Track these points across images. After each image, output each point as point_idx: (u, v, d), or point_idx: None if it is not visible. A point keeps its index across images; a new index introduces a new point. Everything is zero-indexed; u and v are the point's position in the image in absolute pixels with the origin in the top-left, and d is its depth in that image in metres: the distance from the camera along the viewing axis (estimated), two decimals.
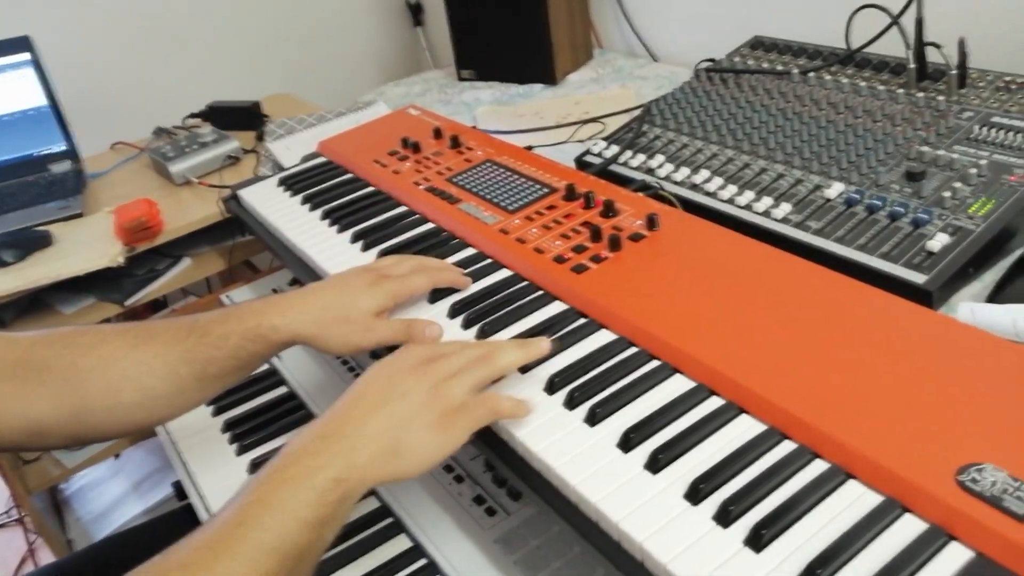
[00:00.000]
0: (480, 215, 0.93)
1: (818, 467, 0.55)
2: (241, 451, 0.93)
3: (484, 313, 0.77)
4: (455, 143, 1.12)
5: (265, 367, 1.03)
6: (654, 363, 0.67)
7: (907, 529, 0.50)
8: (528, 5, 1.50)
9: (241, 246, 1.40)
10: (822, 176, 0.95)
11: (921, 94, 1.02)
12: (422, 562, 0.76)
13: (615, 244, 0.81)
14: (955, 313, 0.77)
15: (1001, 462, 0.51)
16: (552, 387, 0.66)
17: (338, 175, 1.13)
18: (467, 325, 0.77)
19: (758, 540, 0.51)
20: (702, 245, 0.80)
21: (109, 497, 1.95)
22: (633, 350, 0.69)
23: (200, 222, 1.33)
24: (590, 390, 0.65)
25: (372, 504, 0.82)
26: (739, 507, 0.53)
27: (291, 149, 1.39)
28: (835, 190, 0.92)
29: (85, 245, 1.32)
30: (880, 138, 0.97)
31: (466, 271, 0.84)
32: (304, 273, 0.97)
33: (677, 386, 0.64)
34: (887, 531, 0.50)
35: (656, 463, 0.57)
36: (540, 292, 0.79)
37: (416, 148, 1.12)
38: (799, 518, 0.52)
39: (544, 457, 0.60)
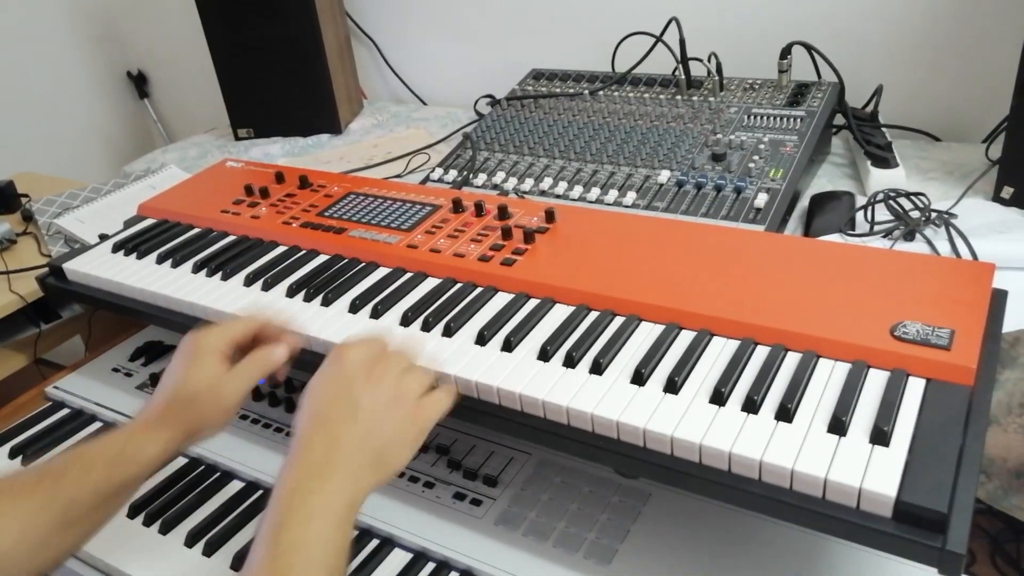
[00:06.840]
0: (378, 238, 0.96)
1: (793, 357, 0.69)
2: (164, 529, 0.85)
3: (439, 314, 0.81)
4: (305, 183, 1.12)
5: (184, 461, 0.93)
6: (619, 319, 0.77)
7: (877, 379, 0.65)
8: (307, 60, 1.54)
9: (48, 334, 1.23)
10: (648, 168, 1.13)
11: (695, 98, 1.27)
12: (431, 566, 0.76)
13: (529, 237, 0.90)
14: None
15: (911, 317, 0.69)
16: (546, 354, 0.73)
17: (184, 231, 1.07)
18: (426, 327, 0.80)
19: (787, 413, 0.63)
20: (598, 226, 0.92)
21: None
22: (595, 313, 0.78)
23: None
24: (582, 348, 0.73)
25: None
26: (760, 396, 0.64)
27: (86, 222, 1.26)
28: (664, 176, 1.10)
29: None
30: (679, 134, 1.18)
31: (391, 288, 0.87)
32: (181, 325, 0.91)
33: (649, 330, 0.75)
34: (866, 384, 0.65)
35: (674, 385, 0.67)
36: (479, 289, 0.85)
37: (265, 193, 1.10)
38: (804, 391, 0.65)
39: (582, 407, 0.67)
